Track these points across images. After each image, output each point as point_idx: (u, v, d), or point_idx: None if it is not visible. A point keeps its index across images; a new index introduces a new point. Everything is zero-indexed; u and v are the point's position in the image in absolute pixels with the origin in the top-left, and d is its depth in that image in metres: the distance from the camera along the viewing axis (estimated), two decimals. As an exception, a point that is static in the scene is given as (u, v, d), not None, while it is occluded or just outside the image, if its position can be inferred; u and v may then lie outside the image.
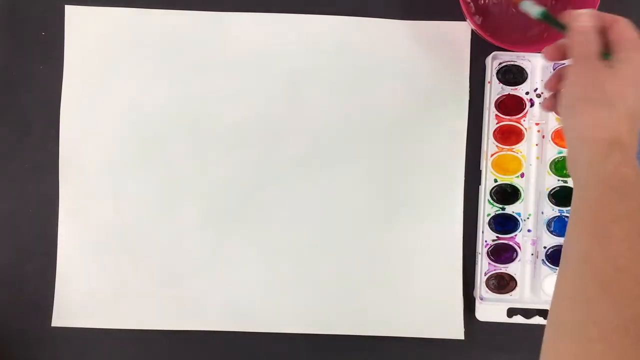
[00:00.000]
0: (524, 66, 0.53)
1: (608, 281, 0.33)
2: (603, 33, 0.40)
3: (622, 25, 0.39)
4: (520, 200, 0.53)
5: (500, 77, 0.53)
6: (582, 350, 0.32)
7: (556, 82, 0.44)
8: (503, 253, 0.54)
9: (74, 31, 0.54)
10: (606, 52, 0.40)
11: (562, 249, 0.37)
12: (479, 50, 0.54)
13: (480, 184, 0.54)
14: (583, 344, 0.32)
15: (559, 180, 0.53)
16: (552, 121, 0.52)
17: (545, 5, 0.51)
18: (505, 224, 0.53)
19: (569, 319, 0.34)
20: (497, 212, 0.53)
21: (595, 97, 0.38)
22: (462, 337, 0.54)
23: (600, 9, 0.48)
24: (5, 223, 0.55)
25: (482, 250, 0.53)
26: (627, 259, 0.34)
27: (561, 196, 0.53)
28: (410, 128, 0.54)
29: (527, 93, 0.53)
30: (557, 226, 0.53)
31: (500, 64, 0.53)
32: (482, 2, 0.53)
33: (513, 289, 0.53)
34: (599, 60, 0.39)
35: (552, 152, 0.53)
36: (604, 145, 0.37)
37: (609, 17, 0.40)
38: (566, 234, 0.38)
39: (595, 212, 0.36)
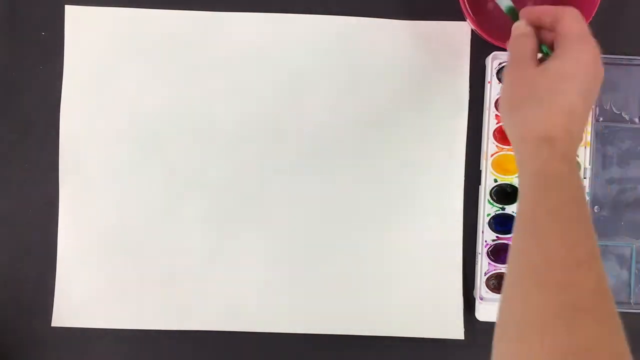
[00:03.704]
0: (524, 66, 0.53)
1: (540, 273, 0.34)
2: (551, 28, 0.41)
3: (566, 19, 0.40)
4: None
5: (500, 77, 0.53)
6: (521, 345, 0.33)
7: None
8: (503, 253, 0.54)
9: (74, 31, 0.54)
10: (548, 49, 0.41)
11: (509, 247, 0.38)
12: (479, 50, 0.54)
13: (480, 184, 0.54)
14: (522, 339, 0.33)
15: (559, 180, 0.53)
16: (552, 121, 0.52)
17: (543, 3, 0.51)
18: (505, 224, 0.53)
19: (509, 316, 0.35)
20: (497, 212, 0.53)
21: (525, 96, 0.39)
22: (462, 337, 0.54)
23: (600, 9, 0.48)
24: (5, 223, 0.55)
25: (482, 250, 0.53)
26: (556, 250, 0.34)
27: (561, 196, 0.53)
28: (410, 128, 0.54)
29: (527, 93, 0.53)
30: (557, 226, 0.53)
31: (500, 64, 0.53)
32: (482, 1, 0.53)
33: (513, 289, 0.53)
34: (531, 61, 0.40)
35: (552, 152, 0.53)
36: (533, 142, 0.38)
37: (558, 10, 0.41)
38: (512, 230, 0.39)
39: (527, 207, 0.37)
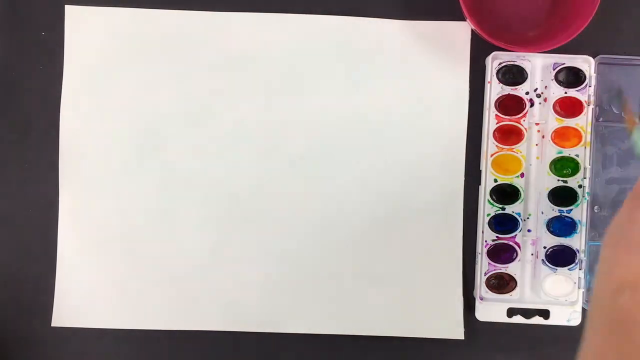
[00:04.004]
0: (524, 66, 0.53)
1: None
2: None
3: None
4: (520, 200, 0.53)
5: (500, 77, 0.53)
6: None
7: None
8: (503, 253, 0.53)
9: (74, 31, 0.54)
10: None
11: None
12: (479, 50, 0.54)
13: (480, 184, 0.54)
14: None
15: (558, 180, 0.53)
16: (552, 121, 0.52)
17: (543, 6, 0.51)
18: (505, 224, 0.53)
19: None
20: (497, 212, 0.53)
21: (629, 237, 0.38)
22: (462, 337, 0.54)
23: (600, 9, 0.48)
24: (5, 223, 0.55)
25: (482, 250, 0.53)
26: None
27: (561, 196, 0.53)
28: (410, 128, 0.54)
29: (527, 93, 0.53)
30: (557, 226, 0.53)
31: (500, 64, 0.53)
32: (482, 1, 0.53)
33: (513, 289, 0.53)
34: None
35: (552, 152, 0.53)
36: (616, 283, 0.37)
37: None
38: None
39: (600, 350, 0.36)
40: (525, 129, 0.53)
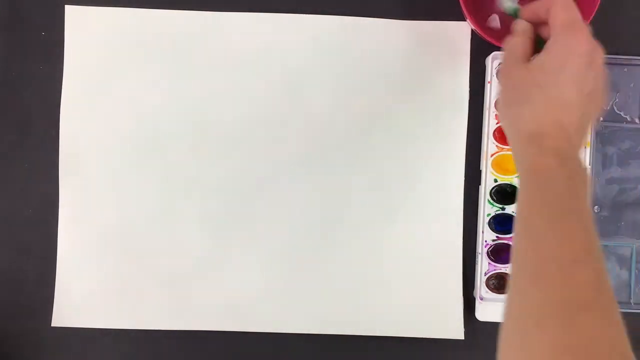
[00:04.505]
0: (524, 66, 0.53)
1: (536, 271, 0.34)
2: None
3: (553, 8, 0.39)
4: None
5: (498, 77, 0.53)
6: (521, 342, 0.33)
7: None
8: (503, 253, 0.53)
9: (74, 31, 0.54)
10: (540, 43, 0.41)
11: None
12: (479, 50, 0.54)
13: (480, 184, 0.54)
14: (522, 337, 0.33)
15: (559, 180, 0.53)
16: (552, 121, 0.52)
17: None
18: (505, 224, 0.53)
19: (511, 314, 0.35)
20: (497, 212, 0.53)
21: (517, 94, 0.39)
22: (462, 337, 0.54)
23: (600, 9, 0.48)
24: (5, 223, 0.55)
25: (482, 250, 0.53)
26: (549, 247, 0.34)
27: (561, 196, 0.53)
28: (410, 128, 0.54)
29: (527, 93, 0.53)
30: (557, 226, 0.53)
31: (500, 64, 0.53)
32: (482, 1, 0.53)
33: (513, 289, 0.53)
34: (521, 58, 0.40)
35: (552, 152, 0.53)
36: (524, 139, 0.38)
37: (546, 2, 0.40)
38: None
39: (521, 205, 0.37)
40: (525, 129, 0.53)
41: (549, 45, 0.39)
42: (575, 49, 0.38)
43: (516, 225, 0.37)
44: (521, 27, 0.42)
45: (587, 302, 0.32)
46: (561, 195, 0.36)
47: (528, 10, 0.42)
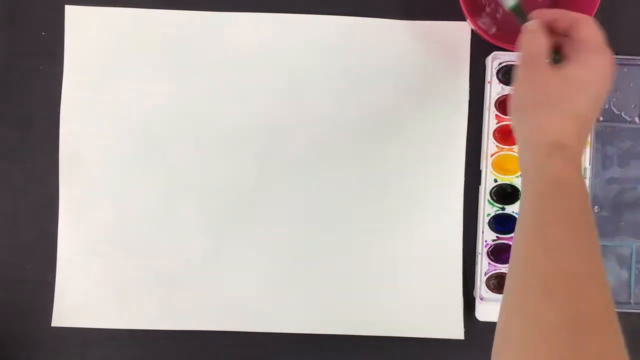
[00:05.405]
0: (524, 66, 0.53)
1: (550, 283, 0.34)
2: (565, 33, 0.40)
3: (583, 26, 0.39)
4: (520, 200, 0.53)
5: (500, 77, 0.53)
6: (527, 355, 0.32)
7: None
8: (503, 253, 0.54)
9: (74, 31, 0.54)
10: (557, 53, 0.40)
11: (511, 252, 0.37)
12: (479, 50, 0.54)
13: (480, 184, 0.54)
14: (528, 349, 0.33)
15: (559, 180, 0.53)
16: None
17: (543, 5, 0.51)
18: (505, 224, 0.53)
19: (515, 324, 0.34)
20: (497, 212, 0.53)
21: (540, 100, 0.38)
22: (462, 337, 0.54)
23: (600, 9, 0.48)
24: (5, 223, 0.55)
25: (482, 250, 0.53)
26: (568, 260, 0.34)
27: (561, 196, 0.53)
28: (410, 128, 0.54)
29: (527, 93, 0.53)
30: (557, 226, 0.53)
31: (500, 64, 0.53)
32: (482, 1, 0.53)
33: (513, 289, 0.53)
34: (545, 62, 0.39)
35: (552, 152, 0.53)
36: (546, 148, 0.37)
37: (574, 16, 0.40)
38: (514, 236, 0.38)
39: (537, 214, 0.36)
40: (525, 129, 0.53)
41: (578, 60, 0.38)
42: (603, 69, 0.38)
43: (525, 232, 0.36)
44: (541, 28, 0.40)
45: (599, 321, 0.32)
46: (583, 209, 0.36)
47: (545, 14, 0.41)
